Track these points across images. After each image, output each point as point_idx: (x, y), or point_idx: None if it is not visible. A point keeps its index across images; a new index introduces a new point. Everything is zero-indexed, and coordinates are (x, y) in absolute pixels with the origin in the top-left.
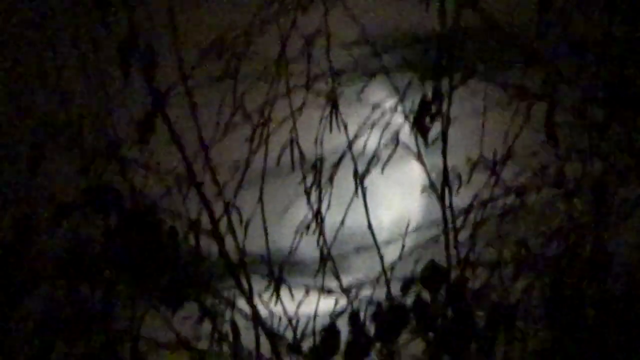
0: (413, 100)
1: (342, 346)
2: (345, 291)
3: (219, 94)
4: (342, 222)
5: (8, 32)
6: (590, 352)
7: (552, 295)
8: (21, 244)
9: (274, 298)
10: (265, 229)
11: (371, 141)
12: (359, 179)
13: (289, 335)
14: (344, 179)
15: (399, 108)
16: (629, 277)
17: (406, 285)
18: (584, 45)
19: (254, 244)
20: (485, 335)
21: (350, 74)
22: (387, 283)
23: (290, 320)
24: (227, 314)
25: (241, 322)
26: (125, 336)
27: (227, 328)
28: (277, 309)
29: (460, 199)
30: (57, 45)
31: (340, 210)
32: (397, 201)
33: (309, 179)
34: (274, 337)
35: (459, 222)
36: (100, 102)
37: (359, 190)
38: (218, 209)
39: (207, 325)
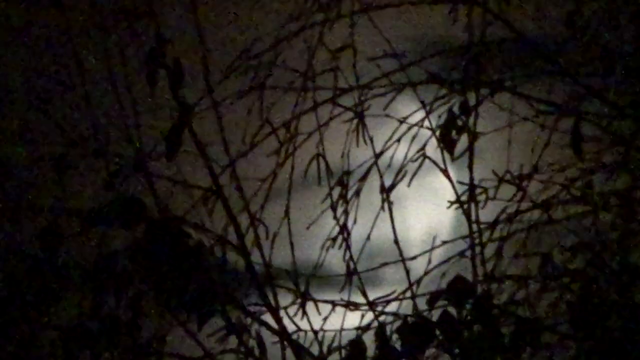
0: (440, 114)
1: None
2: (372, 306)
3: (246, 107)
4: (369, 236)
5: (34, 41)
6: None
7: (578, 307)
8: (48, 254)
9: (300, 312)
10: (292, 243)
11: (398, 155)
12: (386, 192)
13: (315, 349)
14: (371, 192)
15: (426, 122)
16: None
17: (432, 300)
18: (612, 57)
19: (280, 258)
20: (511, 350)
21: (377, 87)
22: (414, 298)
23: (316, 335)
24: (253, 329)
25: (267, 337)
26: (150, 350)
27: (253, 343)
28: (304, 324)
29: (487, 213)
30: (84, 55)
31: (367, 224)
32: (423, 215)
33: (336, 193)
34: (300, 351)
35: (485, 237)
36: (127, 113)
37: (386, 204)
38: (244, 222)
39: (233, 340)
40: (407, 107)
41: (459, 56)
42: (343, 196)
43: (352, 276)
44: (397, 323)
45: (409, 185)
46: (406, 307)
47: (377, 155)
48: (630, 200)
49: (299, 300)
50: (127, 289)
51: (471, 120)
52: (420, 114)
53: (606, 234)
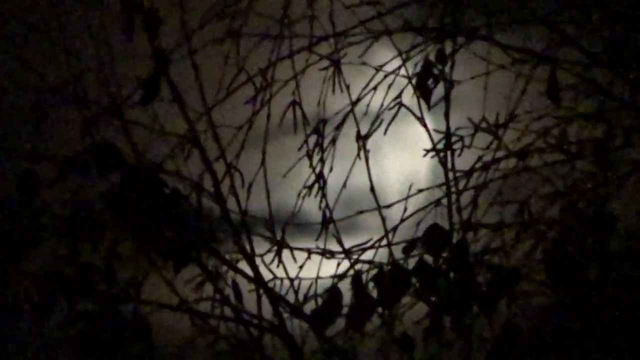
0: (416, 62)
1: (345, 309)
2: (348, 254)
3: (222, 55)
4: (345, 185)
5: None
6: (592, 310)
7: (554, 255)
8: (24, 201)
9: (276, 260)
10: (268, 191)
11: (374, 103)
12: (362, 141)
13: (291, 298)
14: (347, 141)
15: (402, 70)
16: (630, 237)
17: (408, 248)
18: (587, 4)
19: (257, 206)
20: (487, 298)
21: (354, 35)
22: (390, 246)
23: (292, 283)
24: (229, 276)
25: (243, 285)
26: (126, 297)
27: (229, 290)
28: (280, 272)
29: (463, 162)
30: (61, 3)
31: (343, 172)
32: (400, 164)
33: (312, 141)
34: (276, 299)
35: (461, 185)
36: (104, 61)
37: (362, 153)
38: (220, 170)
39: (208, 288)
40: (384, 55)
41: (435, 4)
42: (319, 144)
43: (328, 224)
44: (373, 271)
45: (385, 133)
46: (382, 255)
47: (354, 103)
48: (606, 148)
49: (275, 248)
50: (103, 236)
51: (447, 68)
52: (397, 62)
53: (582, 182)
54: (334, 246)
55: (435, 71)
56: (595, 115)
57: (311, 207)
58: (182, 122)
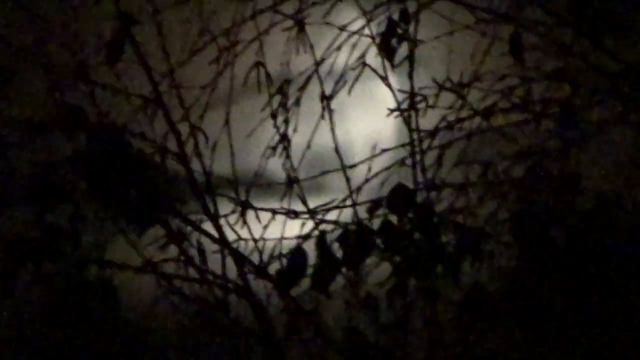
0: (380, 22)
1: (309, 269)
2: (312, 214)
3: (186, 16)
4: (309, 145)
5: None
6: (558, 269)
7: (519, 215)
8: None
9: (240, 221)
10: (232, 152)
11: (338, 63)
12: (326, 101)
13: (256, 258)
14: (311, 101)
15: (366, 30)
16: (595, 196)
17: (373, 208)
18: None
19: (221, 167)
20: (452, 258)
21: None
22: (354, 206)
23: (256, 243)
24: (194, 237)
25: (208, 245)
26: (91, 259)
27: (193, 251)
28: (244, 232)
29: (427, 122)
30: None
31: (307, 132)
32: (364, 123)
33: (276, 101)
34: (240, 260)
35: (425, 145)
36: (68, 23)
37: (326, 113)
38: (184, 131)
39: (173, 249)
40: (348, 15)
41: None
42: (283, 104)
43: (292, 184)
44: (338, 231)
45: (349, 93)
46: (347, 215)
47: (318, 64)
48: (570, 107)
49: (239, 209)
50: (68, 198)
51: (411, 28)
52: (361, 22)
53: (546, 142)
54: (298, 206)
55: (399, 31)
56: (560, 74)
57: (275, 167)
58: (146, 84)
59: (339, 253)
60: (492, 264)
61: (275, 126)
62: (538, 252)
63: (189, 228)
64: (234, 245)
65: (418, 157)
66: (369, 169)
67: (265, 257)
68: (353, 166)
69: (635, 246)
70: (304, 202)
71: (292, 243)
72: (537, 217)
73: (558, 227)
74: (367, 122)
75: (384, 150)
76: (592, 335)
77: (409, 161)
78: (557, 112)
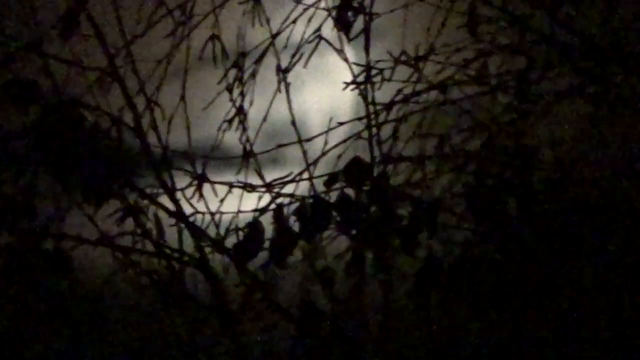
0: None
1: (266, 243)
2: (269, 187)
3: None
4: (265, 118)
5: None
6: (512, 241)
7: (474, 188)
8: None
9: (197, 194)
10: (188, 125)
11: (294, 36)
12: (282, 74)
13: (213, 232)
14: (267, 74)
15: (322, 2)
16: (550, 168)
17: (330, 181)
18: None
19: (177, 141)
20: (408, 232)
21: None
22: (311, 179)
23: (213, 217)
24: (150, 211)
25: (164, 219)
26: (48, 232)
27: (150, 225)
28: (201, 206)
29: (383, 95)
30: None
31: (264, 105)
32: (320, 97)
33: (232, 75)
34: (197, 234)
35: (382, 118)
36: None
37: (282, 86)
38: (140, 104)
39: (130, 222)
40: None
41: None
42: (239, 78)
43: (249, 158)
44: (295, 205)
45: (305, 66)
46: (304, 189)
47: (273, 37)
48: (525, 80)
49: (195, 182)
50: (23, 172)
51: (367, 1)
52: None
53: (502, 115)
54: (255, 180)
55: (355, 4)
56: (515, 47)
57: (232, 141)
58: (102, 57)
59: (295, 226)
60: (447, 236)
61: (232, 99)
62: (493, 225)
63: (145, 202)
64: (191, 219)
65: (374, 130)
66: (326, 142)
67: (222, 230)
68: (310, 139)
69: (587, 217)
70: (261, 176)
71: (249, 217)
72: (492, 190)
73: (513, 200)
74: (324, 95)
75: (340, 124)
76: (546, 304)
77: (365, 134)
78: (513, 85)
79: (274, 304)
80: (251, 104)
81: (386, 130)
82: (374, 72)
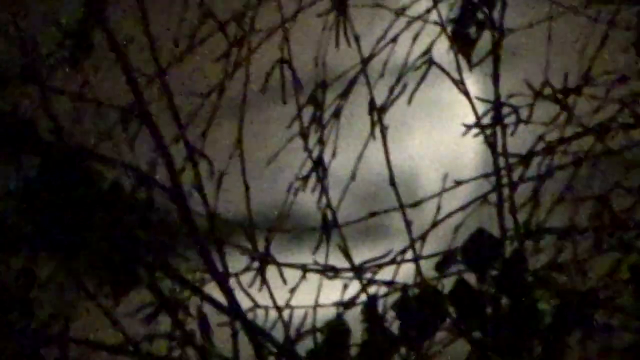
0: (452, 4)
1: (354, 350)
2: (358, 271)
3: None
4: (354, 175)
5: None
6: None
7: None
8: None
9: (258, 282)
10: (246, 184)
11: (394, 60)
12: (377, 113)
13: (279, 333)
14: (356, 113)
15: (433, 13)
16: None
17: (443, 263)
18: None
19: (230, 205)
20: (553, 332)
21: None
22: (417, 260)
23: (280, 313)
24: (193, 305)
25: (212, 316)
26: (50, 334)
27: (192, 324)
28: (263, 297)
29: (519, 142)
30: None
31: (351, 157)
32: (430, 145)
33: (307, 114)
34: (257, 335)
35: (516, 175)
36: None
37: (377, 130)
38: (179, 156)
39: (164, 321)
40: None
41: None
42: (317, 118)
43: (330, 231)
44: (394, 296)
45: (409, 102)
46: (407, 273)
47: (365, 61)
48: None
49: (256, 265)
50: (16, 250)
51: (496, 12)
52: (426, 3)
53: None
54: (338, 261)
55: (479, 15)
56: None
57: (307, 206)
58: (124, 89)
59: (395, 326)
60: (610, 341)
61: (307, 148)
62: None
63: (186, 292)
64: (249, 316)
65: (506, 192)
66: (438, 209)
67: (292, 332)
68: (416, 204)
69: None
70: (347, 255)
71: (330, 312)
72: None
73: None
74: (435, 142)
75: (458, 183)
76: None
77: (493, 197)
78: None
79: None
80: (334, 154)
81: (523, 192)
82: (505, 110)
